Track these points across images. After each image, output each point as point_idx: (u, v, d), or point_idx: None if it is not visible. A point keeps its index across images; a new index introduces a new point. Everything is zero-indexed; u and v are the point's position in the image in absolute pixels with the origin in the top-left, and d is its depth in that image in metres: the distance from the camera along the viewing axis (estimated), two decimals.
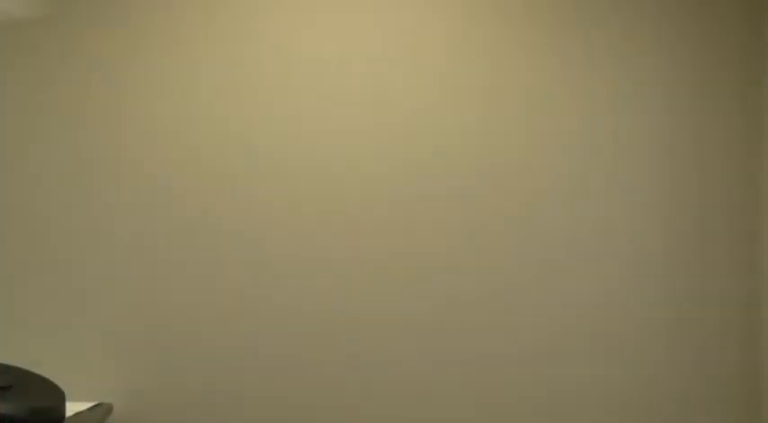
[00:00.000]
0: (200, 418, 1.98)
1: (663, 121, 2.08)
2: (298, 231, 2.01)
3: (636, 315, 2.05)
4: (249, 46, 2.02)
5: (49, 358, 1.96)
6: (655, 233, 2.06)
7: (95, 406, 1.88)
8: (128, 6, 2.01)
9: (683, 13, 2.09)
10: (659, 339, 2.05)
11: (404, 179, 2.04)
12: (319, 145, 2.03)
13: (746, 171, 2.09)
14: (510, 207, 2.05)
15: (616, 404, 2.04)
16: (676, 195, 2.07)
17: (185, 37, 2.02)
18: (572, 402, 2.03)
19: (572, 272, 2.05)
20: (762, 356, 2.06)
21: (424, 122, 2.05)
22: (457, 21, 2.06)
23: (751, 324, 2.07)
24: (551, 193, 2.05)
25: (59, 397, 1.64)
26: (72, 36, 2.00)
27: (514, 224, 2.05)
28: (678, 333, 2.05)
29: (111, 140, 1.99)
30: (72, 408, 1.84)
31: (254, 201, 2.01)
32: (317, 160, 2.03)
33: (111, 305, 1.98)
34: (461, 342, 2.03)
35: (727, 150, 2.08)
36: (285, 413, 2.00)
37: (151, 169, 2.00)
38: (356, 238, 2.02)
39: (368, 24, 2.05)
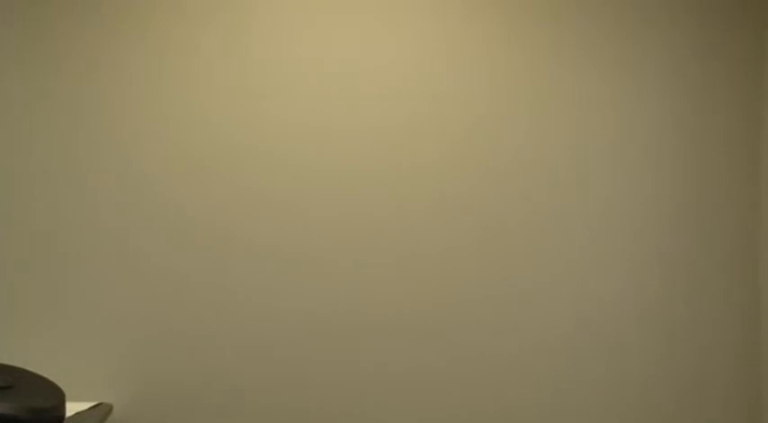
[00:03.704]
0: (200, 419, 1.98)
1: (663, 122, 2.08)
2: (299, 232, 2.01)
3: (636, 315, 2.05)
4: (250, 46, 2.02)
5: (49, 358, 1.96)
6: (655, 233, 2.06)
7: (95, 406, 1.88)
8: (128, 5, 2.01)
9: (684, 12, 2.09)
10: (659, 339, 2.05)
11: (405, 179, 2.03)
12: (319, 145, 2.03)
13: (746, 171, 2.09)
14: (510, 208, 2.05)
15: (616, 404, 2.04)
16: (677, 195, 2.07)
17: (186, 36, 2.01)
18: (572, 402, 2.03)
19: (572, 272, 2.05)
20: (762, 357, 2.06)
21: (426, 122, 2.04)
22: (457, 21, 2.06)
23: (751, 324, 2.07)
24: (551, 193, 2.05)
25: (59, 397, 1.64)
26: (72, 35, 1.99)
27: (514, 224, 2.05)
28: (678, 333, 2.05)
29: (111, 140, 1.99)
30: (72, 408, 1.84)
31: (254, 201, 2.01)
32: (318, 161, 2.02)
33: (112, 305, 1.97)
34: (462, 342, 2.03)
35: (728, 150, 2.08)
36: (285, 414, 1.99)
37: (151, 170, 2.00)
38: (357, 238, 2.02)
39: (367, 25, 2.05)
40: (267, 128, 2.02)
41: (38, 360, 1.96)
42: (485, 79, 2.06)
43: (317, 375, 2.00)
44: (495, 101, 2.06)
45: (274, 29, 2.03)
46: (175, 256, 1.99)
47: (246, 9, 2.03)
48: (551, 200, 2.05)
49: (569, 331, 2.04)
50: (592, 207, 2.06)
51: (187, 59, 2.01)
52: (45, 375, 1.94)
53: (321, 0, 2.04)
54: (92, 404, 1.89)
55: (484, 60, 2.06)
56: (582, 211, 2.06)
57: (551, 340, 2.04)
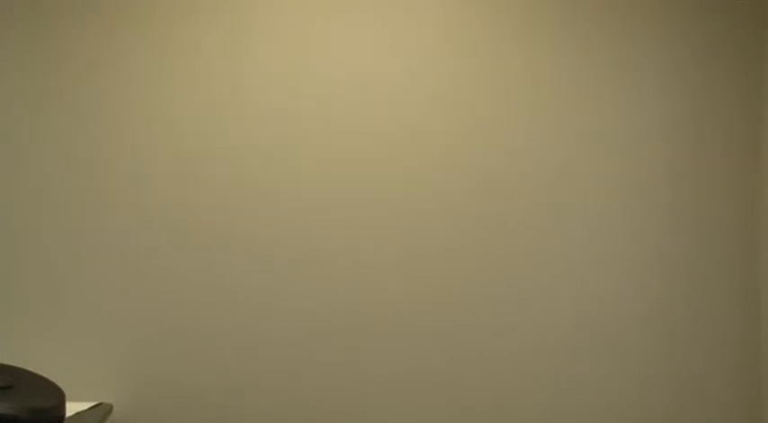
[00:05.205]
0: (200, 419, 1.98)
1: (663, 122, 2.08)
2: (299, 232, 2.01)
3: (636, 315, 2.05)
4: (250, 46, 2.02)
5: (49, 358, 1.96)
6: (655, 233, 2.06)
7: (95, 406, 1.88)
8: (128, 5, 2.01)
9: (684, 12, 2.09)
10: (659, 339, 2.05)
11: (405, 179, 2.03)
12: (319, 146, 2.02)
13: (746, 171, 2.09)
14: (510, 208, 2.05)
15: (616, 404, 2.04)
16: (677, 195, 2.07)
17: (186, 36, 2.01)
18: (572, 402, 2.03)
19: (572, 272, 2.05)
20: (762, 357, 2.06)
21: (426, 122, 2.04)
22: (457, 21, 2.06)
23: (751, 324, 2.07)
24: (551, 193, 2.05)
25: (59, 397, 1.64)
26: (72, 35, 1.99)
27: (514, 224, 2.05)
28: (678, 333, 2.05)
29: (111, 140, 1.99)
30: (72, 408, 1.84)
31: (254, 201, 2.01)
32: (318, 161, 2.02)
33: (112, 305, 1.97)
34: (462, 342, 2.03)
35: (728, 150, 2.08)
36: (285, 414, 1.99)
37: (151, 170, 2.00)
38: (357, 238, 2.02)
39: (367, 25, 2.04)
40: (267, 128, 2.02)
41: (38, 360, 1.96)
42: (485, 79, 2.06)
43: (317, 375, 2.00)
44: (495, 101, 2.06)
45: (274, 29, 2.03)
46: (175, 256, 1.99)
47: (246, 9, 2.03)
48: (551, 200, 2.05)
49: (569, 331, 2.04)
50: (592, 207, 2.06)
51: (187, 59, 2.01)
52: (45, 375, 1.95)
53: (321, 0, 2.04)
54: (92, 404, 1.89)
55: (484, 61, 2.06)
56: (582, 211, 2.06)
57: (551, 340, 2.04)
